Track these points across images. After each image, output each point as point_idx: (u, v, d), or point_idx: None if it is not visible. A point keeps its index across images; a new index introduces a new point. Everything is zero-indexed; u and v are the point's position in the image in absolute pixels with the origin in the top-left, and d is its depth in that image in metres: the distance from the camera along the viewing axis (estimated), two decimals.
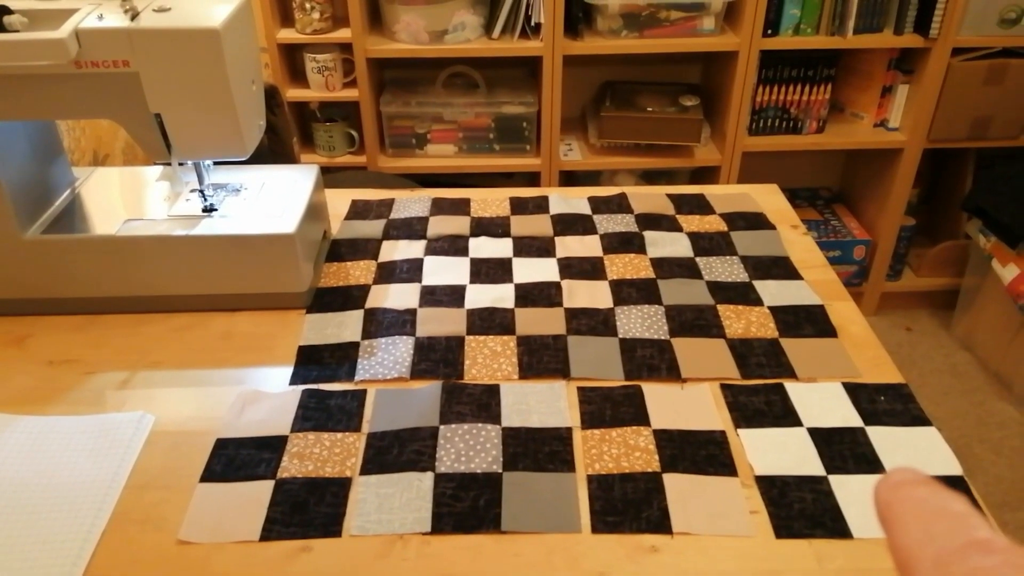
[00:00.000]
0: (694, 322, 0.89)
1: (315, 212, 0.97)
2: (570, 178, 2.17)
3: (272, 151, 1.52)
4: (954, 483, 0.69)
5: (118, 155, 1.96)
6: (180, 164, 0.89)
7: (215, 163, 0.98)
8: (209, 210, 0.91)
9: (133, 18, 0.78)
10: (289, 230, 0.87)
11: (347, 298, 0.93)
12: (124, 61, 0.79)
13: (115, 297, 0.90)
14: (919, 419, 0.76)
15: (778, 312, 0.90)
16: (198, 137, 0.84)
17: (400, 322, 0.89)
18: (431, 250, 1.02)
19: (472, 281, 0.96)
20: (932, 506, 0.26)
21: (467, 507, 0.67)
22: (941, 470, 0.70)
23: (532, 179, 2.10)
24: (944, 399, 2.00)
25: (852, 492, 0.68)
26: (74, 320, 0.90)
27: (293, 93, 1.96)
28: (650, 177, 2.18)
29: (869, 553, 0.63)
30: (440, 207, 1.12)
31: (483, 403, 0.78)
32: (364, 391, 0.79)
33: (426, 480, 0.69)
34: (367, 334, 0.87)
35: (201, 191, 0.93)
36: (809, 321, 0.89)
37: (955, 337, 2.21)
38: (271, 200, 0.93)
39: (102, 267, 0.88)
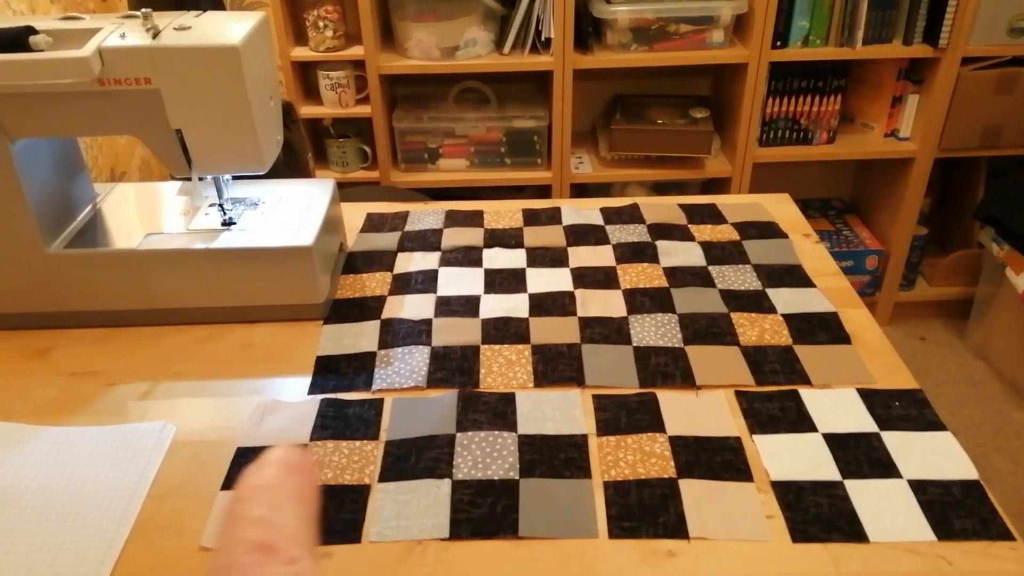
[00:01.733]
0: (708, 330, 0.89)
1: (332, 225, 0.98)
2: (581, 191, 2.18)
3: (288, 166, 1.54)
4: (970, 488, 0.69)
5: (134, 172, 1.99)
6: (200, 179, 0.91)
7: (234, 178, 0.99)
8: (228, 224, 0.93)
9: (155, 36, 0.80)
10: (307, 243, 0.89)
11: (363, 309, 0.94)
12: (146, 79, 0.81)
13: (136, 310, 0.91)
14: (934, 424, 0.76)
15: (791, 319, 0.91)
16: (218, 152, 0.86)
17: (416, 332, 0.90)
18: (445, 261, 1.03)
19: (487, 291, 0.97)
20: (231, 511, 0.32)
21: (484, 513, 0.67)
22: (957, 475, 0.70)
23: (543, 192, 2.11)
24: (960, 408, 1.99)
25: (868, 496, 0.68)
26: (96, 332, 0.91)
27: (307, 110, 1.98)
28: (661, 189, 2.18)
29: (885, 557, 0.63)
30: (454, 219, 1.13)
31: (499, 411, 0.78)
32: (381, 400, 0.80)
33: (444, 487, 0.70)
34: (383, 344, 0.88)
35: (220, 205, 0.95)
36: (822, 328, 0.89)
37: (970, 346, 2.19)
38: (289, 214, 0.95)
39: (123, 280, 0.90)
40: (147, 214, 0.97)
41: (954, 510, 0.67)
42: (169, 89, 0.81)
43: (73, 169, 0.96)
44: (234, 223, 0.93)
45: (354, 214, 1.15)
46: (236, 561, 0.27)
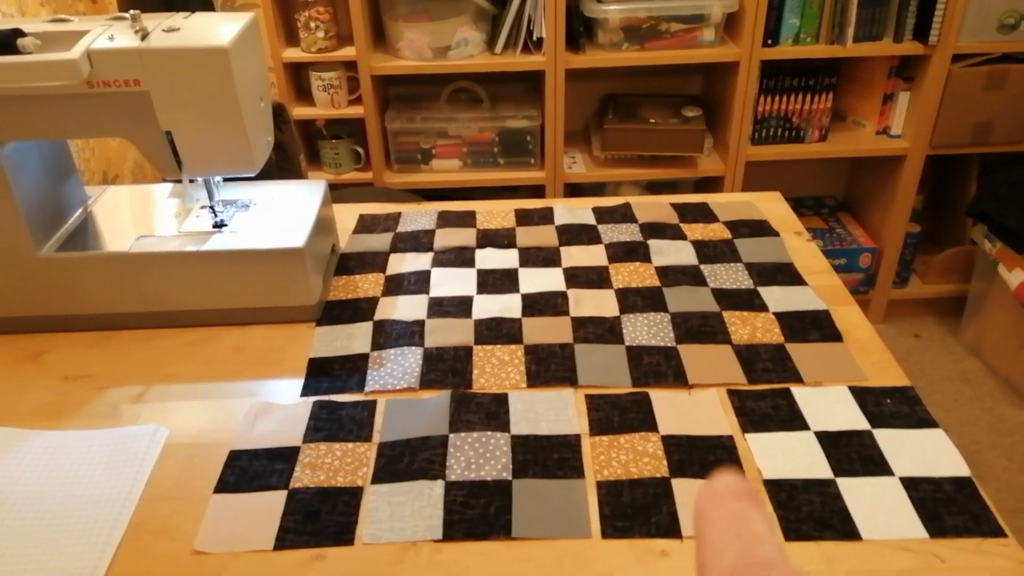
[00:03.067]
0: (700, 329, 0.89)
1: (323, 226, 0.98)
2: (574, 190, 2.18)
3: (280, 168, 1.53)
4: (962, 485, 0.69)
5: (127, 175, 1.99)
6: (191, 181, 0.91)
7: (225, 179, 0.99)
8: (219, 226, 0.93)
9: (143, 38, 0.80)
10: (298, 244, 0.89)
11: (356, 310, 0.94)
12: (135, 80, 0.80)
13: (128, 313, 0.91)
14: (926, 421, 0.76)
15: (783, 318, 0.91)
16: (208, 154, 0.86)
17: (409, 333, 0.90)
18: (438, 262, 1.03)
19: (479, 292, 0.97)
20: (736, 520, 0.28)
21: (478, 514, 0.67)
22: (949, 471, 0.70)
23: (537, 192, 2.11)
24: (954, 405, 2.00)
25: (860, 494, 0.68)
26: (88, 336, 0.91)
27: (299, 111, 1.98)
28: (654, 188, 2.19)
29: (878, 554, 0.63)
30: (446, 220, 1.13)
31: (492, 411, 0.78)
32: (374, 401, 0.80)
33: (437, 488, 0.70)
34: (376, 345, 0.88)
35: (211, 207, 0.95)
36: (814, 326, 0.90)
37: (963, 343, 2.20)
38: (280, 215, 0.95)
39: (115, 283, 0.89)
40: (139, 217, 0.97)
41: (946, 507, 0.67)
42: (158, 91, 0.81)
43: (64, 172, 0.96)
44: (225, 225, 0.93)
45: (346, 215, 1.15)
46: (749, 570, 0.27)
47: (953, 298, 2.26)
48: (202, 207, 0.96)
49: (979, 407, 1.99)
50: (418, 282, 0.99)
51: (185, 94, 0.82)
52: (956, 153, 2.05)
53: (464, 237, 1.09)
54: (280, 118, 1.53)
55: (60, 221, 0.94)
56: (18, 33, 0.81)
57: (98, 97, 0.82)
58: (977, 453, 1.85)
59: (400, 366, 0.85)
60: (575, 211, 1.15)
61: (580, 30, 1.89)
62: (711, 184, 2.12)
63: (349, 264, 1.04)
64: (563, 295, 0.96)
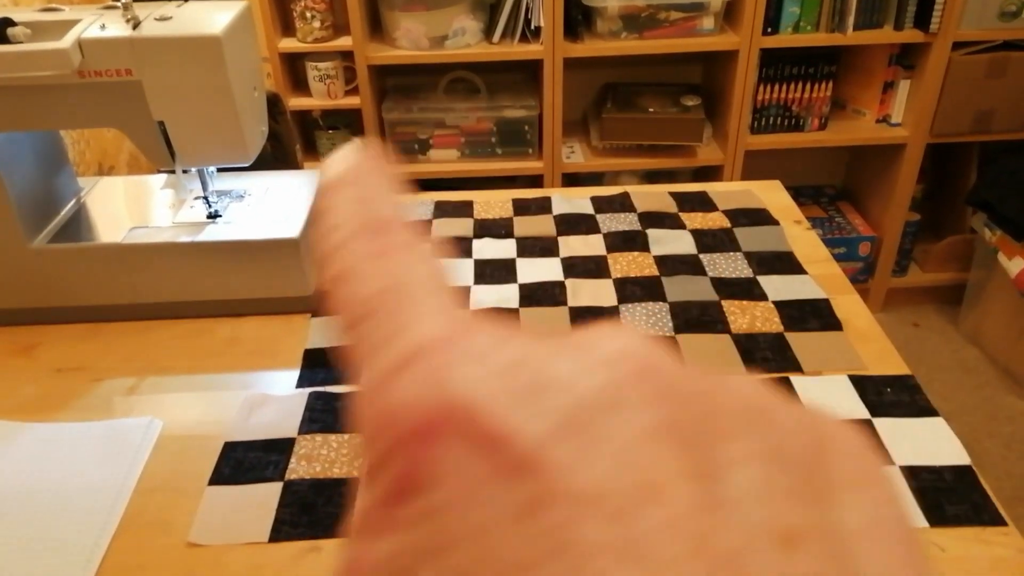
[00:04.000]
0: (699, 318, 0.89)
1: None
2: (573, 180, 2.17)
3: (275, 158, 1.52)
4: (963, 473, 0.69)
5: (122, 166, 1.98)
6: (184, 171, 0.90)
7: (219, 170, 0.98)
8: (213, 216, 0.92)
9: (135, 27, 0.79)
10: (293, 235, 0.88)
11: None
12: (127, 70, 0.79)
13: (121, 304, 0.91)
14: (926, 410, 0.76)
15: (783, 307, 0.90)
16: (201, 144, 0.85)
17: None
18: (435, 252, 1.02)
19: (476, 282, 0.97)
20: (362, 190, 0.23)
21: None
22: (949, 460, 0.70)
23: (535, 182, 2.10)
24: (953, 394, 1.99)
25: None
26: (81, 328, 0.90)
27: (295, 102, 1.97)
28: (653, 178, 2.18)
29: None
30: (443, 210, 1.13)
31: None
32: None
33: None
34: None
35: (205, 198, 0.94)
36: (814, 315, 0.89)
37: (963, 332, 2.20)
38: (275, 205, 0.94)
39: (108, 275, 0.89)
40: (133, 207, 0.96)
41: (946, 496, 0.66)
42: (151, 80, 0.80)
43: (56, 163, 0.95)
44: (220, 216, 0.92)
45: None
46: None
47: (952, 287, 2.25)
48: (196, 198, 0.96)
49: (978, 396, 1.99)
50: None
51: (177, 84, 0.81)
52: (956, 141, 2.04)
53: (461, 227, 1.08)
54: (275, 109, 1.52)
55: (52, 212, 0.93)
56: (8, 22, 0.80)
57: (90, 87, 0.81)
58: (976, 442, 1.85)
59: None
60: (573, 200, 1.14)
61: (578, 19, 1.88)
62: (710, 173, 2.11)
63: None
64: (561, 285, 0.95)
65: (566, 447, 0.14)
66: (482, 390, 0.15)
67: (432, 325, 0.17)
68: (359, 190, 0.23)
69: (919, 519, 0.64)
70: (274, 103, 1.52)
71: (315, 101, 1.97)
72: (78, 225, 0.93)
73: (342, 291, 0.19)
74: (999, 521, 0.64)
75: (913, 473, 0.68)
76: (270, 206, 0.94)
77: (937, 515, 0.65)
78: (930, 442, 0.72)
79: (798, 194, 2.35)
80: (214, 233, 0.89)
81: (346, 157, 0.24)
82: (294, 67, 2.03)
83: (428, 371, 0.16)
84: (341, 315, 0.19)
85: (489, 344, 0.16)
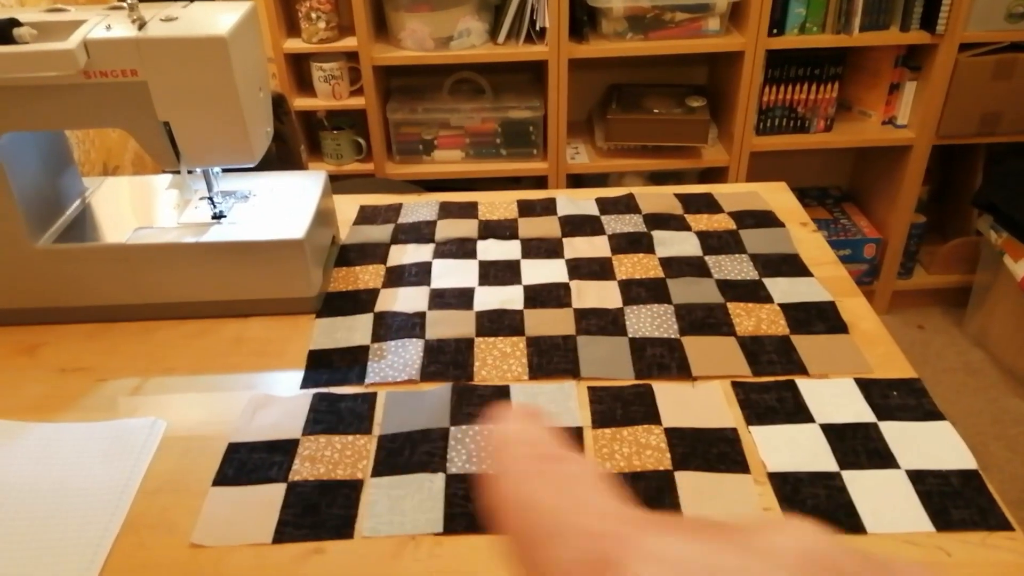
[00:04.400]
0: (704, 320, 0.88)
1: (324, 217, 0.97)
2: (578, 181, 2.17)
3: (280, 159, 1.53)
4: (969, 477, 0.68)
5: (127, 167, 1.98)
6: (189, 172, 0.90)
7: (224, 170, 0.98)
8: (218, 217, 0.92)
9: (141, 27, 0.79)
10: (298, 235, 0.88)
11: (356, 302, 0.94)
12: (132, 70, 0.79)
13: (126, 305, 0.91)
14: (932, 414, 0.75)
15: (788, 309, 0.90)
16: (206, 144, 0.85)
17: (409, 325, 0.89)
18: (439, 253, 1.02)
19: (481, 283, 0.96)
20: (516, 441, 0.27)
21: (479, 507, 0.67)
22: (955, 464, 0.69)
23: (540, 183, 2.10)
24: (958, 397, 1.99)
25: (866, 488, 0.67)
26: (86, 328, 0.90)
27: (300, 102, 1.97)
28: (658, 179, 2.17)
29: (884, 548, 0.62)
30: (448, 211, 1.12)
31: (493, 404, 0.77)
32: (374, 394, 0.80)
33: (438, 481, 0.69)
34: (377, 337, 0.88)
35: (210, 198, 0.94)
36: (820, 318, 0.89)
37: (968, 334, 2.19)
38: (280, 206, 0.94)
39: (113, 275, 0.89)
40: (138, 208, 0.96)
41: (952, 500, 0.66)
42: (156, 81, 0.80)
43: (61, 163, 0.95)
44: (225, 216, 0.92)
45: (347, 206, 1.14)
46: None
47: (958, 289, 2.24)
48: (201, 198, 0.96)
49: (983, 398, 1.98)
50: (419, 273, 0.98)
51: (183, 84, 0.81)
52: (962, 143, 2.03)
53: (466, 228, 1.08)
54: (280, 109, 1.52)
55: (58, 212, 0.93)
56: (14, 23, 0.80)
57: (95, 87, 0.81)
58: (981, 445, 1.84)
59: (401, 358, 0.84)
60: (578, 202, 1.14)
61: (583, 19, 1.88)
62: (715, 175, 2.11)
63: (349, 255, 1.03)
64: (565, 287, 0.95)
65: None
66: None
67: (606, 523, 0.20)
68: (527, 437, 0.27)
69: (925, 523, 0.64)
70: (279, 104, 1.52)
71: (320, 102, 1.97)
72: (83, 225, 0.93)
73: (517, 512, 0.22)
74: (1005, 526, 0.64)
75: (919, 478, 0.68)
76: (275, 207, 0.94)
77: (943, 520, 0.64)
78: (936, 446, 0.71)
79: (803, 195, 2.34)
80: (219, 234, 0.89)
81: (511, 419, 0.28)
82: (299, 68, 2.03)
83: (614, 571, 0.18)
84: (513, 531, 0.22)
85: (664, 543, 0.18)
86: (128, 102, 0.82)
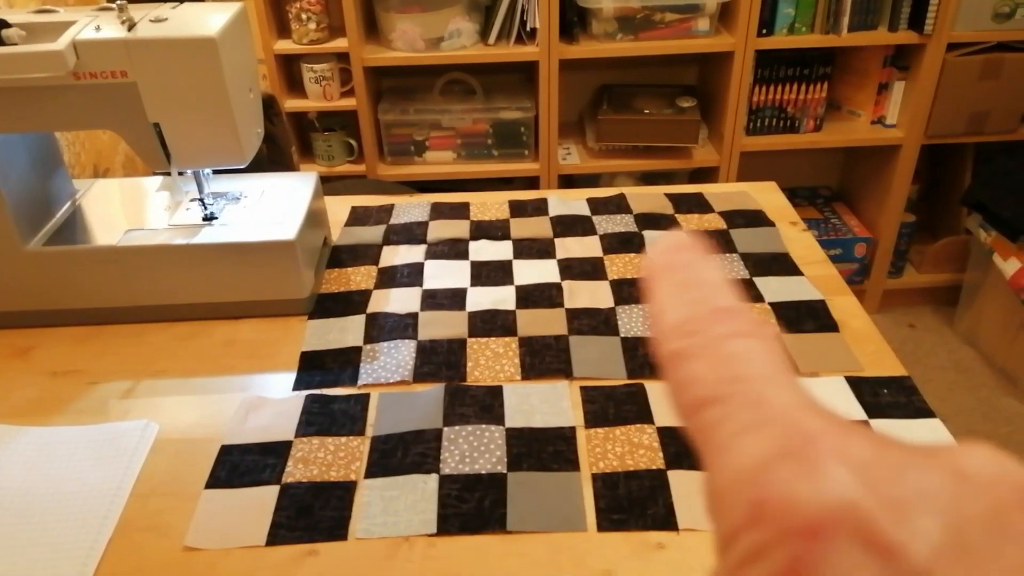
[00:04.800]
0: None
1: (315, 219, 0.97)
2: (569, 182, 2.17)
3: (271, 160, 1.52)
4: None
5: (118, 169, 1.97)
6: (180, 173, 0.90)
7: (214, 172, 0.98)
8: (209, 219, 0.92)
9: (130, 28, 0.79)
10: (289, 237, 0.88)
11: (348, 303, 0.94)
12: (122, 72, 0.79)
13: (117, 307, 0.90)
14: (923, 411, 0.76)
15: (779, 308, 0.90)
16: (197, 146, 0.85)
17: (402, 326, 0.89)
18: (431, 254, 1.02)
19: (473, 284, 0.96)
20: (688, 275, 0.25)
21: (472, 508, 0.67)
22: None
23: (531, 184, 2.10)
24: (949, 395, 2.00)
25: None
26: (77, 331, 0.90)
27: (291, 104, 1.97)
28: (649, 179, 2.18)
29: None
30: (440, 211, 1.12)
31: (486, 404, 0.78)
32: (367, 395, 0.79)
33: (431, 482, 0.69)
34: (369, 338, 0.88)
35: (201, 200, 0.94)
36: (810, 316, 0.89)
37: (959, 333, 2.20)
38: (271, 208, 0.94)
39: (104, 277, 0.88)
40: (128, 210, 0.96)
41: None
42: (146, 82, 0.80)
43: (51, 165, 0.94)
44: (216, 218, 0.92)
45: (338, 208, 1.14)
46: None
47: (948, 288, 2.26)
48: (192, 200, 0.95)
49: (974, 397, 1.99)
50: (411, 274, 0.98)
51: (173, 85, 0.81)
52: (951, 142, 2.04)
53: (458, 229, 1.08)
54: (271, 110, 1.52)
55: (48, 215, 0.93)
56: (2, 24, 0.79)
57: (84, 89, 0.80)
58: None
59: (393, 359, 0.84)
60: (569, 202, 1.14)
61: (574, 20, 1.88)
62: (706, 175, 2.11)
63: (341, 257, 1.03)
64: (558, 287, 0.95)
65: (956, 569, 0.14)
66: (868, 497, 0.15)
67: (805, 418, 0.18)
68: (689, 275, 0.25)
69: None
70: (269, 105, 1.51)
71: (311, 103, 1.97)
72: (73, 227, 0.92)
73: (684, 371, 0.21)
74: None
75: None
76: (266, 208, 0.93)
77: None
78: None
79: (793, 195, 2.35)
80: (210, 235, 0.89)
81: (670, 244, 0.26)
82: (290, 69, 2.02)
83: (810, 467, 0.16)
84: (681, 394, 0.21)
85: (861, 446, 0.17)
86: (118, 103, 0.82)
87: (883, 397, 0.77)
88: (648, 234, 1.05)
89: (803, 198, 2.35)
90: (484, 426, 0.75)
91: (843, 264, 2.19)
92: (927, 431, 0.73)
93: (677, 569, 0.61)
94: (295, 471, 0.71)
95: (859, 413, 0.75)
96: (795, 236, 1.05)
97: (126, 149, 2.01)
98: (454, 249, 1.03)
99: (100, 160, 1.88)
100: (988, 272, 2.05)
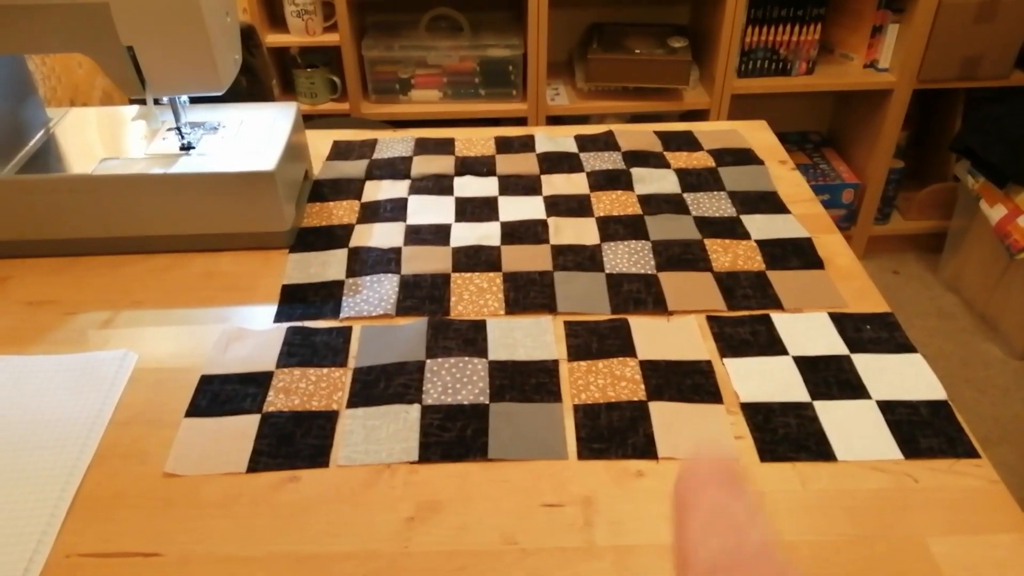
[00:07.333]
0: (681, 256, 0.88)
1: (295, 151, 0.95)
2: (557, 123, 2.14)
3: (251, 94, 1.49)
4: (938, 408, 0.69)
5: (95, 103, 1.92)
6: (156, 102, 0.87)
7: (192, 101, 0.96)
8: (187, 148, 0.90)
9: None
10: (269, 168, 0.86)
11: (331, 237, 0.92)
12: None
13: (94, 238, 0.88)
14: (904, 346, 0.76)
15: (765, 245, 0.90)
16: (172, 71, 0.82)
17: (385, 260, 0.88)
18: (415, 189, 1.01)
19: (457, 220, 0.95)
20: (720, 509, 0.26)
21: (454, 437, 0.67)
22: (926, 395, 0.70)
23: (519, 125, 2.07)
24: (930, 340, 2.02)
25: (836, 417, 0.68)
26: (53, 262, 0.88)
27: (272, 38, 1.92)
28: (639, 121, 2.15)
29: (852, 475, 0.63)
30: (424, 147, 1.10)
31: (469, 338, 0.77)
32: (349, 328, 0.79)
33: (413, 412, 0.69)
34: (351, 272, 0.87)
35: (178, 129, 0.91)
36: (796, 254, 0.89)
37: (942, 279, 2.22)
38: (250, 138, 0.91)
39: (79, 207, 0.86)
40: (104, 138, 0.93)
41: (921, 429, 0.67)
42: (119, 3, 0.77)
43: (22, 91, 0.91)
44: (193, 147, 0.90)
45: (320, 142, 1.12)
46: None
47: (933, 235, 2.26)
48: (169, 129, 0.93)
49: (954, 342, 2.01)
50: (394, 209, 0.97)
51: (147, 7, 0.78)
52: (943, 87, 2.02)
53: (442, 164, 1.06)
54: (251, 41, 1.48)
55: (20, 143, 0.90)
56: None
57: (56, 9, 0.77)
58: (951, 387, 1.87)
59: (376, 293, 0.83)
60: (557, 139, 1.13)
61: None
62: (696, 118, 2.09)
63: (323, 191, 1.01)
64: (543, 223, 0.94)
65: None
66: None
67: None
68: (721, 496, 0.26)
69: (894, 451, 0.65)
70: (249, 36, 1.47)
71: (293, 38, 1.92)
72: (47, 156, 0.90)
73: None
74: (973, 454, 0.65)
75: (889, 407, 0.69)
76: (245, 139, 0.91)
77: (912, 448, 0.65)
78: (907, 377, 0.72)
79: (784, 140, 2.32)
80: (188, 165, 0.87)
81: (708, 465, 0.27)
82: (270, 2, 1.96)
83: None
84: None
85: None
86: (90, 26, 0.79)
87: (865, 333, 0.77)
88: (636, 171, 1.03)
89: (793, 143, 2.34)
90: (467, 359, 0.74)
91: (831, 210, 2.19)
92: (908, 366, 0.74)
93: (656, 496, 0.62)
94: (276, 400, 0.70)
95: (841, 347, 0.75)
96: (784, 175, 1.04)
97: (104, 83, 1.96)
98: (438, 185, 1.02)
99: (76, 94, 1.83)
100: (974, 219, 2.05)
